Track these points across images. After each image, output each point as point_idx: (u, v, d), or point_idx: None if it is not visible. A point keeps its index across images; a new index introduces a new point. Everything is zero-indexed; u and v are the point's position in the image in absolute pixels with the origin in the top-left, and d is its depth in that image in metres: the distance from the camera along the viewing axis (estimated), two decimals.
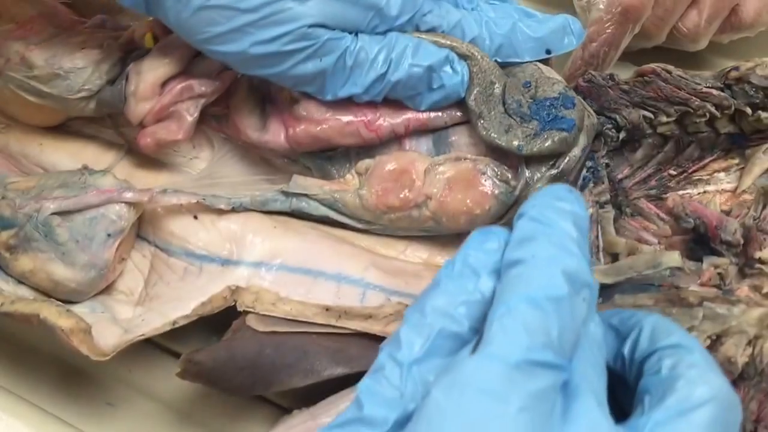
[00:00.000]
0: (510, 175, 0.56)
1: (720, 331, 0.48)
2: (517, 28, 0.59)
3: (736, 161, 0.62)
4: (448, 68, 0.57)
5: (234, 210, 0.60)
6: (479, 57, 0.57)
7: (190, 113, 0.60)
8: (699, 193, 0.61)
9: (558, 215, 0.40)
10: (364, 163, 0.59)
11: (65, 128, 0.67)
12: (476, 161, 0.56)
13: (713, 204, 0.59)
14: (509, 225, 0.54)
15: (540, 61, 0.60)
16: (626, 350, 0.42)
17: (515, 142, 0.56)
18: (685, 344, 0.39)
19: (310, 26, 0.53)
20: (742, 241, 0.54)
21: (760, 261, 0.53)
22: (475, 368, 0.35)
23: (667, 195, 0.61)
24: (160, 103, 0.60)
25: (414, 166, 0.57)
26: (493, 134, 0.56)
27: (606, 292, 0.55)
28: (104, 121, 0.65)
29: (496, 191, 0.56)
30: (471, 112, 0.57)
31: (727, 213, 0.59)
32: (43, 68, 0.61)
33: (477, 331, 0.39)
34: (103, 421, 0.61)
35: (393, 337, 0.40)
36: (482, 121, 0.56)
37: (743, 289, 0.53)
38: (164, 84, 0.60)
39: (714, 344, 0.48)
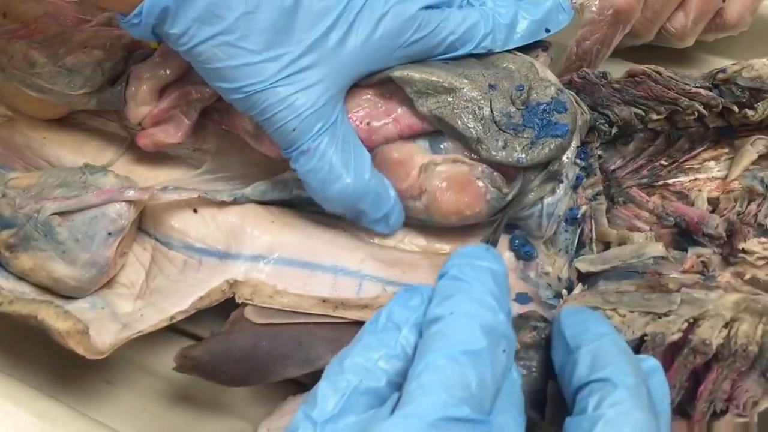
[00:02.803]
0: (502, 182, 0.56)
1: (697, 314, 0.47)
2: (519, 15, 0.59)
3: (726, 150, 0.61)
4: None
5: (236, 201, 0.59)
6: (462, 87, 0.56)
7: (188, 117, 0.60)
8: (690, 181, 0.61)
9: (477, 272, 0.40)
10: None
11: (70, 120, 0.66)
12: (472, 166, 0.56)
13: (701, 198, 0.58)
14: (498, 225, 0.55)
15: (537, 45, 0.61)
16: (566, 375, 0.41)
17: (515, 155, 0.55)
18: (614, 379, 0.38)
19: None
20: (724, 234, 0.54)
21: (744, 251, 0.53)
22: (392, 430, 0.34)
23: (659, 183, 0.61)
24: (158, 108, 0.59)
25: (413, 159, 0.56)
26: (493, 152, 0.55)
27: (591, 279, 0.55)
28: (109, 114, 0.65)
29: (488, 196, 0.55)
30: (469, 139, 0.56)
31: (716, 201, 0.59)
32: (46, 65, 0.60)
33: (396, 386, 0.38)
34: (102, 399, 0.60)
35: (311, 393, 0.38)
36: (482, 145, 0.55)
37: (725, 276, 0.52)
38: (163, 89, 0.59)
39: (691, 327, 0.47)
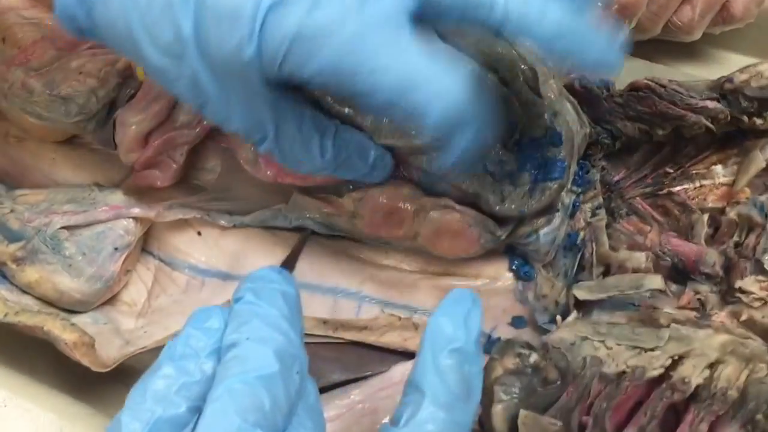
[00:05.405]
0: (494, 227, 0.53)
1: (683, 352, 0.45)
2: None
3: (735, 151, 0.58)
4: None
5: (235, 227, 0.57)
6: None
7: (175, 160, 0.58)
8: (695, 188, 0.58)
9: (270, 295, 0.40)
10: (358, 193, 0.55)
11: (77, 141, 0.64)
12: (464, 213, 0.53)
13: (701, 223, 0.55)
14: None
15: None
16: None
17: (514, 207, 0.53)
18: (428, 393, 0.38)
19: None
20: (721, 273, 0.51)
21: (740, 291, 0.50)
22: None
23: (663, 191, 0.58)
24: (144, 156, 0.58)
25: (404, 206, 0.54)
26: (493, 206, 0.53)
27: (587, 307, 0.53)
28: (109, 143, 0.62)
29: (482, 240, 0.53)
30: (467, 195, 0.53)
31: (719, 213, 0.55)
32: (42, 94, 0.58)
33: (197, 410, 0.38)
34: (120, 402, 0.57)
35: (115, 421, 0.37)
36: (481, 200, 0.53)
37: (721, 315, 0.50)
38: (149, 134, 0.58)
39: (674, 364, 0.45)
